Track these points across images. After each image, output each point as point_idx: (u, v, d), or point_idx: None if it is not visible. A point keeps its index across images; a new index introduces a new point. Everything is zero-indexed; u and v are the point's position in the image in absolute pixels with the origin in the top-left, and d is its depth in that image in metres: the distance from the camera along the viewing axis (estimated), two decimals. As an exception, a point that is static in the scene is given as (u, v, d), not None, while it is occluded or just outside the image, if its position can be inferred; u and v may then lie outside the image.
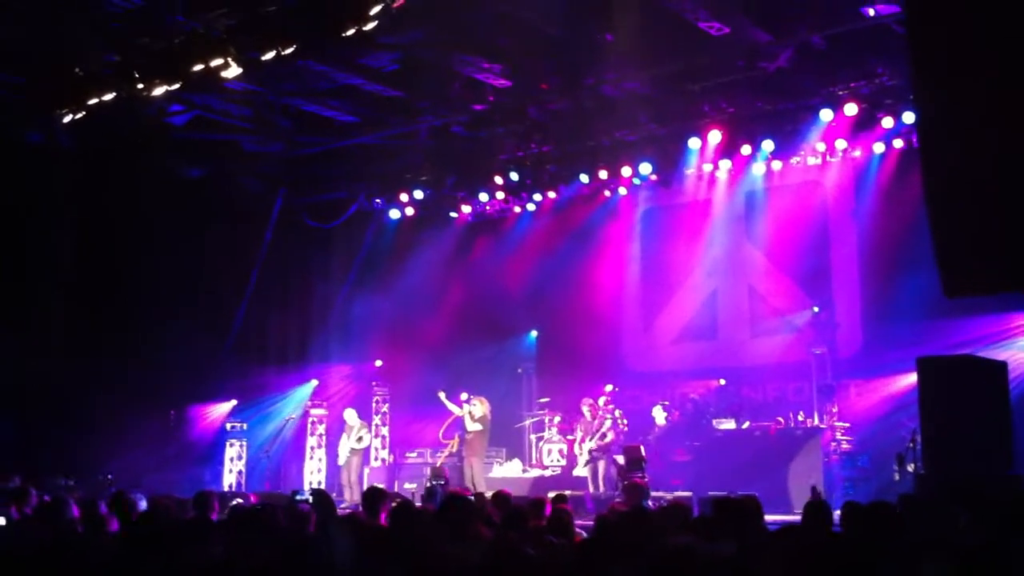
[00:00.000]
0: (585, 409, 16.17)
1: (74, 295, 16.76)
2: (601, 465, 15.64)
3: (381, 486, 16.11)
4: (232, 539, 6.91)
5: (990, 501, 7.52)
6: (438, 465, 16.35)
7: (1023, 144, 7.31)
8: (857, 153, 16.48)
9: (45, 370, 16.06)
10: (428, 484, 13.96)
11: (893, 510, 5.71)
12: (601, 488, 15.37)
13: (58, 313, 16.59)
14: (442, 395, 16.66)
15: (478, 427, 16.14)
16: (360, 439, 17.30)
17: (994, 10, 7.53)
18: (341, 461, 17.34)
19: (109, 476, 15.68)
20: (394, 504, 7.87)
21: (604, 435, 15.64)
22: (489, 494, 9.67)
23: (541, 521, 6.98)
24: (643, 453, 13.71)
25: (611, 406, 16.49)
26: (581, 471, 15.91)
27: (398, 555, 5.79)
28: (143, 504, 8.46)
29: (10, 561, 6.36)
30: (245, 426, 18.87)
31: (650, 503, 11.54)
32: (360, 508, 10.63)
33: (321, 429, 19.48)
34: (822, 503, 7.29)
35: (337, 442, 17.80)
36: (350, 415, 17.63)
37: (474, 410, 16.22)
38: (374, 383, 20.02)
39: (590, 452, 15.75)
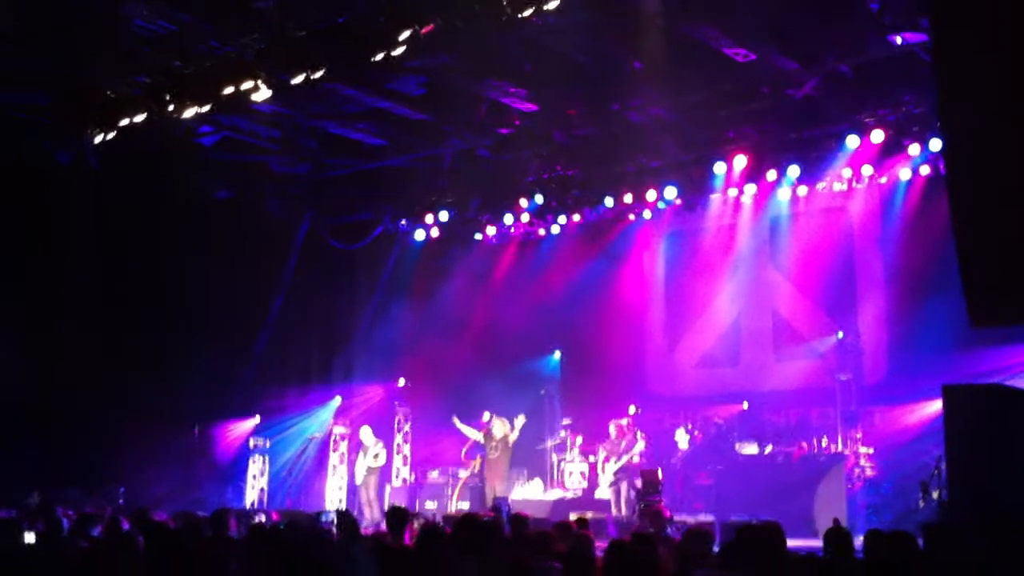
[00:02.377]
0: (612, 429, 16.14)
1: (100, 314, 16.90)
2: (624, 487, 15.60)
3: (402, 505, 16.26)
4: (249, 558, 6.97)
5: (1015, 530, 7.48)
6: (459, 485, 16.41)
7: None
8: (883, 180, 16.44)
9: (70, 389, 16.21)
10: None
11: (914, 541, 5.69)
12: (624, 511, 15.33)
13: (84, 332, 16.74)
14: (456, 420, 16.69)
15: (497, 452, 16.16)
16: (376, 456, 17.32)
17: (1022, 37, 7.54)
18: (358, 480, 17.38)
19: (121, 490, 15.74)
20: (419, 525, 7.90)
21: (632, 457, 15.61)
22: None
23: (566, 545, 6.98)
24: (660, 476, 13.68)
25: (635, 428, 16.47)
26: (604, 493, 15.88)
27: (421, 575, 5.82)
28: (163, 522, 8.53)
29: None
30: (268, 443, 18.97)
31: (671, 530, 11.51)
32: (382, 527, 10.68)
33: (343, 447, 19.54)
34: (843, 531, 7.27)
35: (355, 461, 17.85)
36: (366, 434, 17.67)
37: (496, 431, 16.24)
38: (397, 402, 20.08)
39: (614, 474, 15.71)
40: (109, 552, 6.81)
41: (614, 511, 15.33)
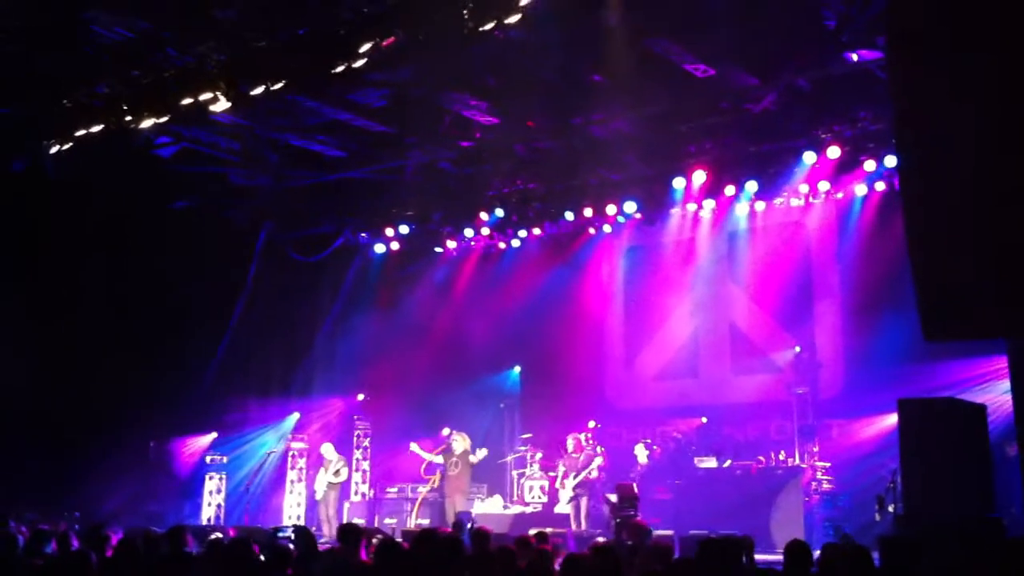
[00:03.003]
0: (570, 443, 16.14)
1: (55, 325, 16.66)
2: (584, 502, 15.60)
3: (361, 521, 16.16)
4: (208, 574, 6.88)
5: (969, 542, 7.57)
6: (419, 501, 16.34)
7: (1003, 189, 7.42)
8: (839, 195, 16.64)
9: (22, 401, 15.94)
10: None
11: (868, 555, 5.74)
12: (583, 526, 15.33)
13: (38, 343, 16.48)
14: (414, 446, 16.64)
15: (457, 468, 16.10)
16: (337, 472, 17.20)
17: (975, 57, 7.67)
18: (319, 496, 17.24)
19: (76, 515, 15.45)
20: (376, 540, 7.84)
21: (591, 472, 15.62)
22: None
23: (525, 560, 6.96)
24: (636, 491, 13.65)
25: (593, 443, 16.49)
26: (564, 508, 15.87)
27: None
28: (118, 538, 8.38)
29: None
30: (225, 459, 18.76)
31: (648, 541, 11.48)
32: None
33: (302, 463, 19.37)
34: (803, 544, 7.31)
35: (315, 476, 17.71)
36: (327, 449, 17.55)
37: (455, 446, 16.19)
38: (356, 417, 19.96)
39: (573, 489, 15.71)
40: (63, 570, 6.70)
41: (573, 526, 15.32)
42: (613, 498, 13.81)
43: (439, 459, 16.35)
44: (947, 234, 7.62)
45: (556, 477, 16.41)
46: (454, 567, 6.45)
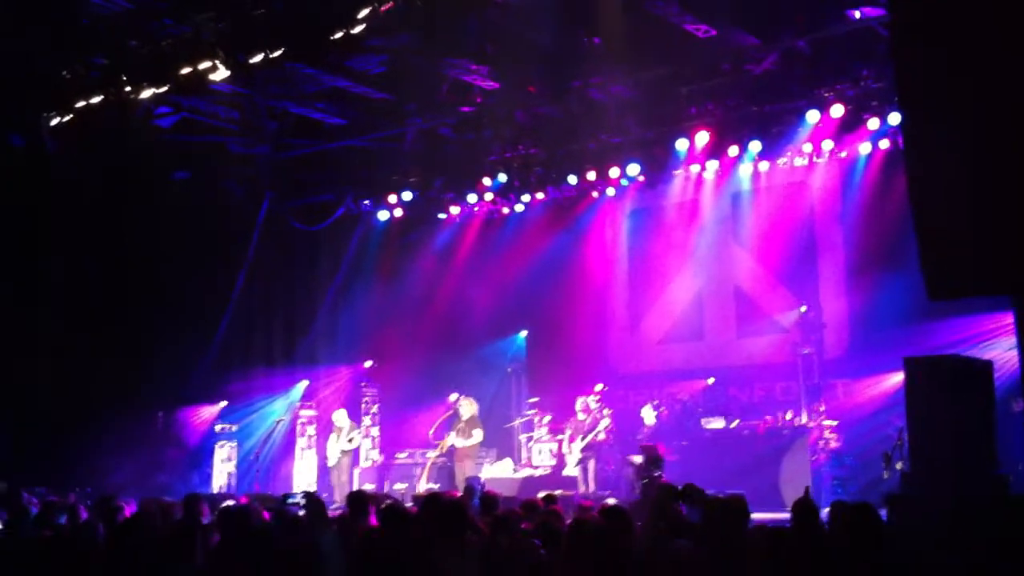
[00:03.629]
0: (579, 407, 16.18)
1: (57, 298, 16.68)
2: (591, 465, 15.66)
3: (371, 486, 16.27)
4: (221, 541, 6.93)
5: (975, 500, 7.60)
6: (428, 466, 16.41)
7: (1007, 146, 7.37)
8: (843, 154, 16.55)
9: (29, 375, 15.99)
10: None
11: (876, 512, 5.76)
12: (591, 487, 15.40)
13: (42, 319, 16.50)
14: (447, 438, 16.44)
15: (476, 435, 16.08)
16: (351, 440, 17.29)
17: (980, 13, 7.59)
18: (331, 462, 17.33)
19: (88, 489, 15.53)
20: (383, 506, 7.88)
21: (598, 434, 15.67)
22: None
23: (532, 523, 7.00)
24: (661, 452, 13.45)
25: (602, 406, 16.52)
26: (572, 471, 15.94)
27: (388, 558, 5.82)
28: (131, 508, 8.45)
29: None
30: (235, 428, 18.85)
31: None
32: (350, 510, 10.62)
33: (311, 431, 19.46)
34: (810, 502, 7.34)
35: (326, 443, 17.80)
36: (340, 416, 17.62)
37: (463, 411, 16.21)
38: (363, 384, 20.03)
39: (581, 451, 15.77)
40: (72, 540, 6.76)
41: (581, 488, 15.40)
42: (637, 459, 13.63)
43: (453, 438, 16.22)
44: (951, 191, 7.58)
45: (563, 440, 16.47)
46: (458, 529, 6.48)
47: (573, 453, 15.92)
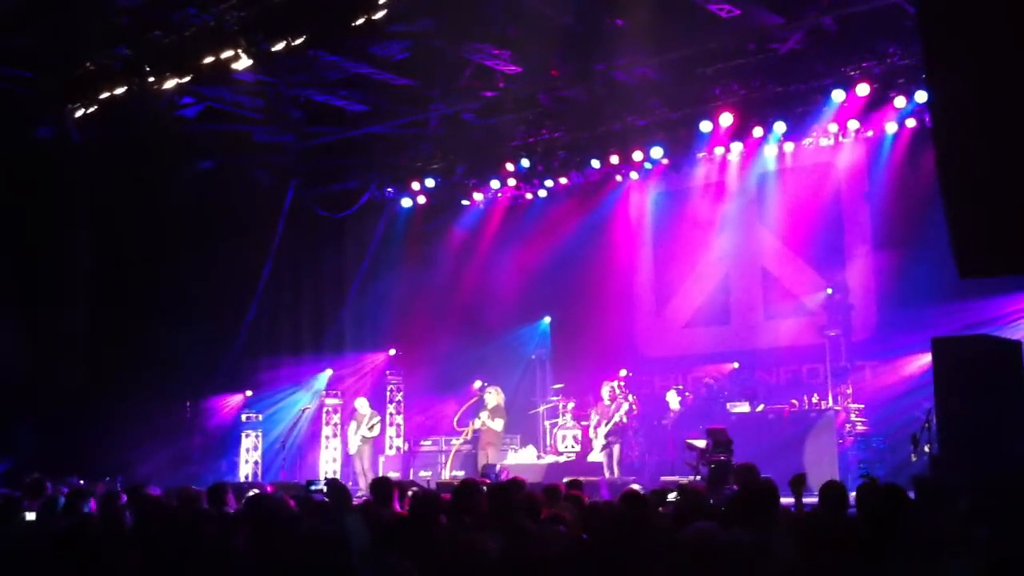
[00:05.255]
0: (605, 392, 16.13)
1: (87, 290, 16.81)
2: (616, 450, 15.63)
3: (396, 475, 16.30)
4: (248, 529, 6.94)
5: (1004, 481, 7.51)
6: (453, 454, 16.43)
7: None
8: (869, 133, 16.36)
9: (61, 366, 16.14)
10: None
11: (905, 494, 5.69)
12: (616, 473, 15.37)
13: (71, 308, 16.64)
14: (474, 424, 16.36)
15: (498, 423, 16.06)
16: (372, 427, 17.33)
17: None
18: (352, 450, 17.38)
19: (119, 478, 15.67)
20: (412, 492, 7.89)
21: (621, 418, 15.63)
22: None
23: (557, 509, 6.98)
24: (728, 435, 13.00)
25: (626, 391, 16.48)
26: (597, 456, 15.91)
27: (416, 544, 5.80)
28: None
29: (30, 553, 6.42)
30: (260, 417, 18.94)
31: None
32: (374, 497, 10.64)
33: (336, 419, 19.53)
34: (839, 485, 7.29)
35: (347, 431, 17.86)
36: (361, 404, 17.66)
37: (488, 399, 16.19)
38: (388, 372, 20.08)
39: (606, 437, 15.74)
40: (100, 529, 6.79)
41: (607, 473, 15.37)
42: (701, 444, 13.21)
43: (479, 422, 16.20)
44: (980, 168, 7.47)
45: (588, 426, 16.44)
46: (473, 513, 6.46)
47: (598, 438, 15.89)
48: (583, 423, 17.13)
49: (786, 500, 7.71)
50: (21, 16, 13.21)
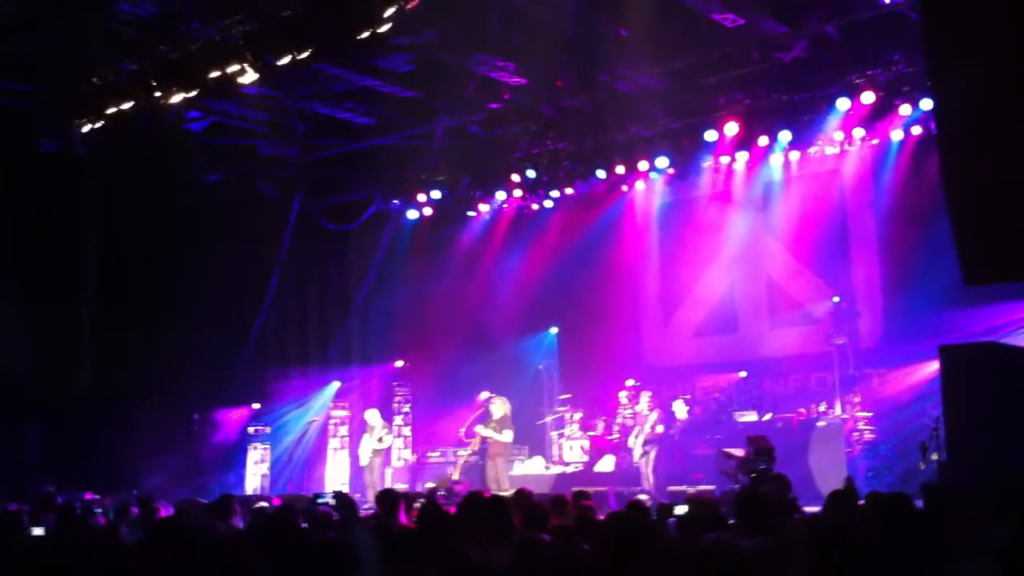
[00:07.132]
0: (644, 400, 16.15)
1: (98, 303, 16.85)
2: (651, 457, 15.59)
3: (404, 486, 16.29)
4: (255, 542, 6.95)
5: (1013, 488, 7.48)
6: (460, 464, 16.41)
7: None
8: (875, 141, 16.36)
9: (69, 377, 16.18)
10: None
11: (911, 502, 5.68)
12: (651, 482, 15.30)
13: (80, 321, 16.68)
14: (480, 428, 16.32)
15: (506, 435, 16.02)
16: (381, 439, 17.31)
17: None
18: (363, 462, 17.37)
19: (133, 492, 15.67)
20: (419, 504, 7.89)
21: (655, 427, 15.61)
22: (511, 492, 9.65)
23: (564, 519, 6.98)
24: (771, 443, 12.79)
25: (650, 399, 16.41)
26: (638, 463, 15.80)
27: (424, 556, 5.81)
28: (167, 511, 8.51)
29: (38, 567, 6.43)
30: (268, 429, 18.95)
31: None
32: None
33: (343, 431, 19.52)
34: (847, 492, 7.27)
35: (359, 443, 17.85)
36: (372, 416, 17.65)
37: (494, 410, 16.16)
38: (395, 383, 20.08)
39: (643, 445, 15.68)
40: (108, 541, 6.81)
41: (646, 484, 15.28)
42: (739, 452, 12.94)
43: (490, 431, 16.17)
44: (985, 176, 7.49)
45: (597, 437, 16.40)
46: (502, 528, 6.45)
47: (637, 447, 15.83)
48: (590, 433, 17.11)
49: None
50: (26, 31, 13.27)
